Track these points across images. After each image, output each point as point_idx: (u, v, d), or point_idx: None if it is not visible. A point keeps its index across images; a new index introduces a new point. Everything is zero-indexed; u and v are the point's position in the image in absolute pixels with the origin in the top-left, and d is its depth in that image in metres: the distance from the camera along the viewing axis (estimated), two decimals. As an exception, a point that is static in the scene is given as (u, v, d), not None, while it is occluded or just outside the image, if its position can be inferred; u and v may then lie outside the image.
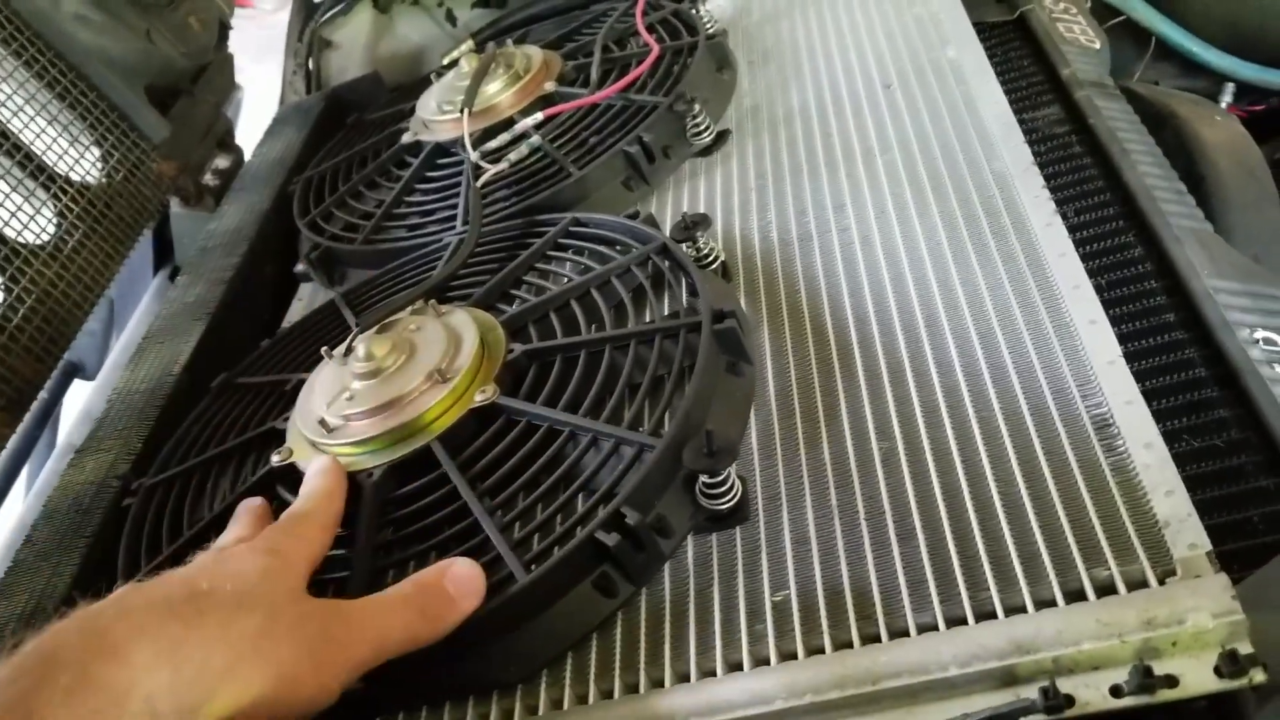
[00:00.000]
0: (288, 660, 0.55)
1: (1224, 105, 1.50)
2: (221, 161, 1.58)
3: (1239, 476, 0.69)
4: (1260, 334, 0.76)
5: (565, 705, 0.63)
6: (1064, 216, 0.88)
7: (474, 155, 1.01)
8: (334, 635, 0.58)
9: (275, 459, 0.82)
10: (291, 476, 0.81)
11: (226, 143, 1.62)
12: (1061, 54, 1.09)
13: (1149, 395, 0.74)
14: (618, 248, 0.90)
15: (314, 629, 0.57)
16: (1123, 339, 0.77)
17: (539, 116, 1.04)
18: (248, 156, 1.52)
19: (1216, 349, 0.76)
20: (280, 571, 0.61)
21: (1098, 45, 1.16)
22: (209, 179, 1.55)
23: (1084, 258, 0.84)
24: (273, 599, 0.57)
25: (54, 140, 1.31)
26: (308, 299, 1.17)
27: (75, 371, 1.55)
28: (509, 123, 1.07)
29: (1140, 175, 0.91)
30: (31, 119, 1.30)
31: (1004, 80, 1.07)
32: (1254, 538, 0.66)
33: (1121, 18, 1.49)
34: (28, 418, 1.37)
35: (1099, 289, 0.81)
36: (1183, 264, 0.82)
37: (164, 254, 1.61)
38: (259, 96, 1.91)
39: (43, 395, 1.45)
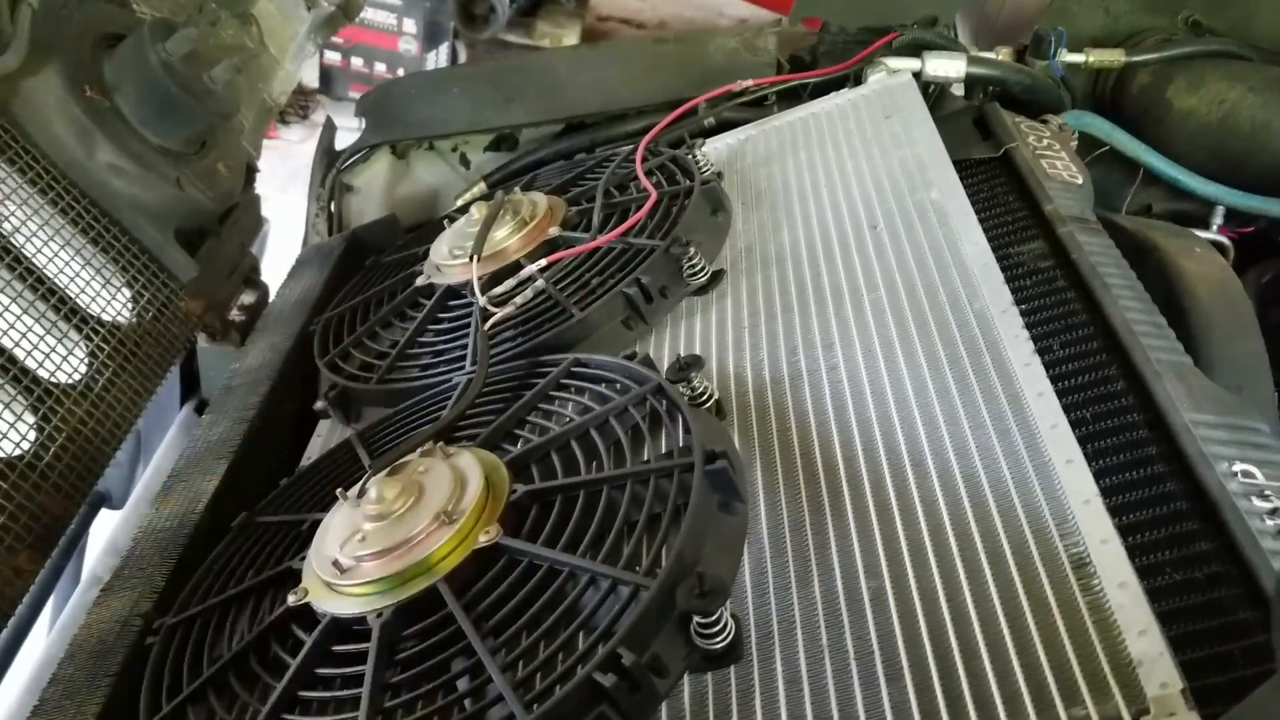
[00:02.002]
0: None
1: (1215, 227, 1.54)
2: (247, 297, 1.64)
3: (1219, 610, 0.71)
4: (1238, 466, 0.79)
5: None
6: (1048, 350, 0.92)
7: (482, 300, 1.07)
8: None
9: (291, 599, 0.85)
10: (307, 616, 0.84)
11: (252, 279, 1.68)
12: (1044, 190, 1.14)
13: (1131, 529, 0.77)
14: (616, 387, 0.94)
15: None
16: (1106, 472, 0.80)
17: (543, 262, 1.10)
18: (272, 291, 1.59)
19: (1196, 482, 0.79)
20: None
21: (1080, 180, 1.21)
22: (235, 315, 1.61)
23: (1068, 391, 0.88)
24: None
25: (88, 283, 1.37)
26: (326, 435, 1.21)
27: (102, 501, 1.58)
28: (516, 266, 1.13)
29: (1121, 310, 0.95)
30: (66, 263, 1.36)
31: (989, 215, 1.12)
32: (1234, 671, 0.68)
33: (1108, 147, 1.54)
34: (56, 548, 1.41)
35: (1083, 422, 0.85)
36: (1162, 398, 0.85)
37: (190, 387, 1.66)
38: (284, 225, 1.99)
39: (70, 526, 1.49)
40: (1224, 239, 1.52)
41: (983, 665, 0.64)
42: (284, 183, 2.92)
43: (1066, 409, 0.81)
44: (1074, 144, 1.39)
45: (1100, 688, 0.60)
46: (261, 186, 1.82)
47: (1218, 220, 1.55)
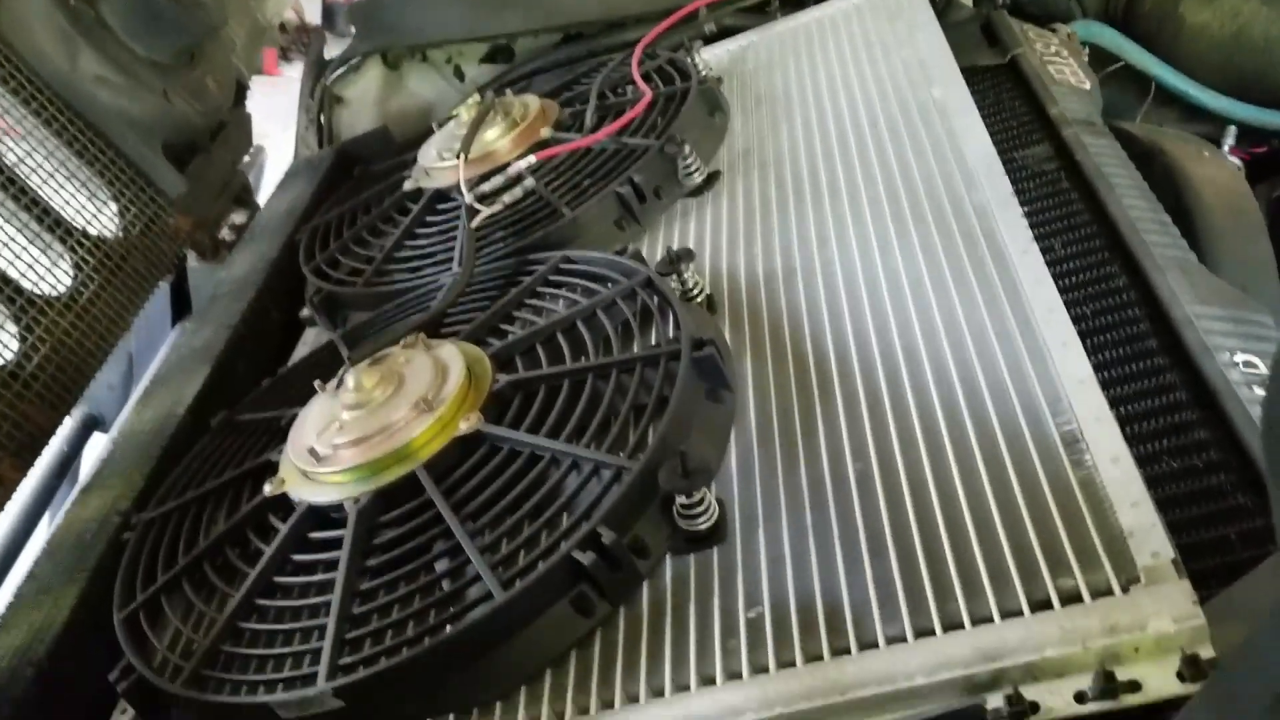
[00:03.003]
0: None
1: (1226, 148, 1.50)
2: (238, 217, 1.62)
3: (1217, 495, 0.69)
4: (1240, 357, 0.77)
5: (542, 721, 0.64)
6: (1051, 250, 0.90)
7: (469, 198, 1.04)
8: None
9: (268, 489, 0.83)
10: (284, 506, 0.82)
11: (243, 199, 1.66)
12: (1050, 94, 1.11)
13: (1130, 419, 0.74)
14: (607, 283, 0.92)
15: None
16: (1105, 365, 0.78)
17: (532, 159, 1.07)
18: (263, 212, 1.56)
19: (1196, 372, 0.76)
20: None
21: (1088, 86, 1.17)
22: (225, 234, 1.58)
23: (1069, 289, 0.85)
24: None
25: (73, 195, 1.35)
26: (312, 343, 1.19)
27: (95, 424, 1.57)
28: (506, 168, 1.10)
29: (1125, 208, 0.92)
30: (50, 175, 1.33)
31: (995, 120, 1.08)
32: (1231, 554, 0.66)
33: (1121, 63, 1.50)
34: (49, 469, 1.40)
35: (1083, 318, 0.82)
36: (1164, 292, 0.83)
37: (182, 308, 1.64)
38: (286, 162, 1.96)
39: (63, 448, 1.47)
40: (1235, 160, 1.49)
41: (969, 540, 0.62)
42: (286, 120, 2.88)
43: (1067, 305, 0.79)
44: (1085, 56, 1.35)
45: (1089, 558, 0.58)
46: (264, 124, 1.79)
47: (1229, 141, 1.51)
